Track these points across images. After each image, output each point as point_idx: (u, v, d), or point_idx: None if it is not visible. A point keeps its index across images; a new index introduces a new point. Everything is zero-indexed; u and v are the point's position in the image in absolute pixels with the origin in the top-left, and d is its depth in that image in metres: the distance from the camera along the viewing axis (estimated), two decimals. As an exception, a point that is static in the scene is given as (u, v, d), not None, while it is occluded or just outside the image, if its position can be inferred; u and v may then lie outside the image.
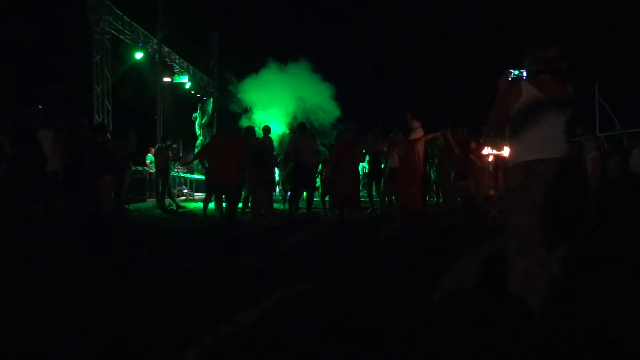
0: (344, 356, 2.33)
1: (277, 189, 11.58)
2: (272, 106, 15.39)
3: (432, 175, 11.39)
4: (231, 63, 18.11)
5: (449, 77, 17.55)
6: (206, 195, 9.02)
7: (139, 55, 14.13)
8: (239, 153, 6.64)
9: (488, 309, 2.97)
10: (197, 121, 16.65)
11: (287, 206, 9.21)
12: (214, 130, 17.64)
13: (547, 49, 2.80)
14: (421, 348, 2.42)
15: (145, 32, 14.28)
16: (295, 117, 14.81)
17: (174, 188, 12.70)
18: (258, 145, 8.42)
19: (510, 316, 2.74)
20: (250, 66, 16.12)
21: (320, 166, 9.87)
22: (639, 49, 14.05)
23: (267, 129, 9.37)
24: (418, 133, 6.97)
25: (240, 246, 5.73)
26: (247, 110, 15.55)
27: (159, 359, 2.33)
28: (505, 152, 7.40)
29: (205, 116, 16.82)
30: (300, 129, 8.75)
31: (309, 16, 15.73)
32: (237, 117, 15.67)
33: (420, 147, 6.90)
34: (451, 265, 4.24)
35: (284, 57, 15.66)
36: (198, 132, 16.56)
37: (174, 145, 11.18)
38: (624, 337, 2.56)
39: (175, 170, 13.15)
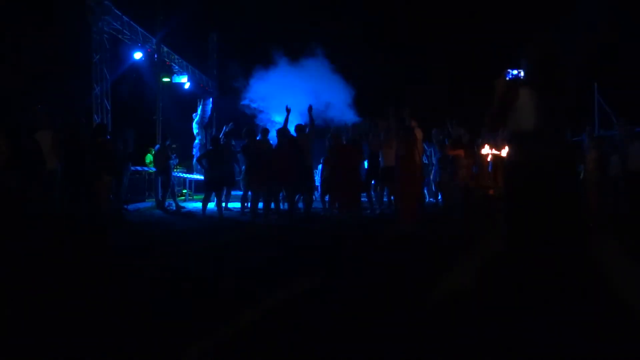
0: (345, 356, 2.34)
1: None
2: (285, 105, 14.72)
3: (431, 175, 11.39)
4: (231, 63, 18.04)
5: (449, 76, 17.56)
6: (205, 195, 9.02)
7: (138, 55, 14.11)
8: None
9: (487, 308, 2.98)
10: (196, 119, 16.61)
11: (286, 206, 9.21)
12: (214, 131, 17.60)
13: (545, 49, 2.81)
14: (422, 347, 2.42)
15: (145, 32, 14.26)
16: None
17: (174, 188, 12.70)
18: (257, 146, 8.42)
19: (508, 315, 2.74)
20: (251, 66, 16.03)
21: (320, 166, 9.88)
22: (639, 49, 14.05)
23: (265, 131, 9.37)
24: (417, 133, 6.99)
25: (240, 246, 5.73)
26: (261, 111, 14.96)
27: (159, 359, 2.33)
28: (504, 152, 7.41)
29: (201, 115, 16.76)
30: (298, 130, 8.77)
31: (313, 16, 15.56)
32: (247, 118, 15.09)
33: (420, 147, 6.93)
34: (451, 265, 4.25)
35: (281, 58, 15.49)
36: (196, 131, 16.52)
37: (173, 146, 11.18)
38: (623, 336, 2.57)
39: (175, 170, 13.15)
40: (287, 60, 14.80)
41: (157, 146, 11.33)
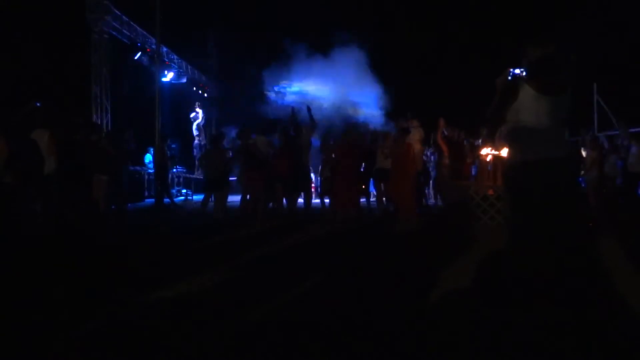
0: (345, 355, 2.32)
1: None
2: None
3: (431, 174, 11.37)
4: (231, 62, 18.05)
5: (449, 75, 17.49)
6: (205, 195, 9.00)
7: (137, 54, 14.09)
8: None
9: (487, 307, 2.96)
10: (197, 121, 16.58)
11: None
12: (213, 130, 17.59)
13: (545, 48, 2.79)
14: (422, 346, 2.41)
15: (144, 32, 14.25)
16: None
17: (173, 187, 12.70)
18: (250, 146, 8.36)
19: (507, 313, 2.73)
20: (250, 66, 16.01)
21: (320, 166, 9.84)
22: (639, 49, 14.04)
23: (260, 132, 9.33)
24: (417, 133, 6.98)
25: (239, 246, 5.71)
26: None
27: (159, 358, 2.31)
28: (504, 152, 7.40)
29: (202, 117, 16.76)
30: (297, 129, 8.75)
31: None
32: (249, 118, 14.77)
33: (418, 147, 6.92)
34: (451, 264, 4.23)
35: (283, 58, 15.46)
36: (196, 132, 16.50)
37: (173, 145, 11.17)
38: (624, 336, 2.55)
39: (175, 169, 13.15)
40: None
41: (156, 145, 11.31)
